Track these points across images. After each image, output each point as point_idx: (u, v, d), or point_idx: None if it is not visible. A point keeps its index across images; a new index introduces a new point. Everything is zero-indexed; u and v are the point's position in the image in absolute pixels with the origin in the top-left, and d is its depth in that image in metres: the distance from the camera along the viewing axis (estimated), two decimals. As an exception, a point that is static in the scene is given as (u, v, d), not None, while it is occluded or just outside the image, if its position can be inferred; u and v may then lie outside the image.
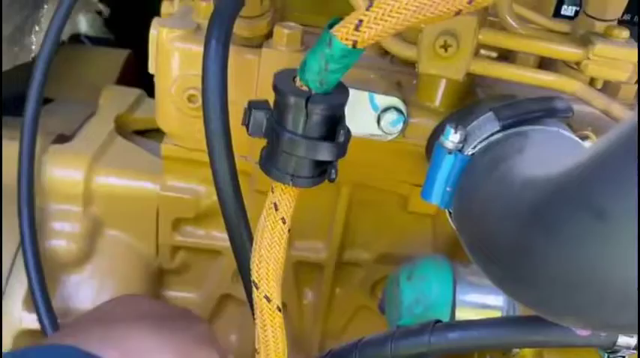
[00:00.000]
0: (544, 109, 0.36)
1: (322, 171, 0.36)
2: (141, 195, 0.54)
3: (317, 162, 0.35)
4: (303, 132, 0.34)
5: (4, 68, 0.57)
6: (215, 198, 0.41)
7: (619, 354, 0.39)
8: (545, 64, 0.42)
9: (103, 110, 0.63)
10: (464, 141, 0.37)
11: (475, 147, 0.37)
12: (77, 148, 0.55)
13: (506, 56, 0.43)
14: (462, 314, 0.47)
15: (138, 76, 0.71)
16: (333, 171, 0.35)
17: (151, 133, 0.64)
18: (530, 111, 0.36)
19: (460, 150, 0.37)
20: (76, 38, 0.77)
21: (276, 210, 0.38)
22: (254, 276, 0.39)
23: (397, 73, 0.46)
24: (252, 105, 0.36)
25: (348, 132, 0.36)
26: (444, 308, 0.46)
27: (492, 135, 0.36)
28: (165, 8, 0.56)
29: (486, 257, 0.33)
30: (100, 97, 0.65)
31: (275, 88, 0.34)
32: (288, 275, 0.59)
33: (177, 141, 0.52)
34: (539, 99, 0.37)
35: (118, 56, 0.76)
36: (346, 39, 0.31)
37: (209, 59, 0.40)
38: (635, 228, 0.22)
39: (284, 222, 0.38)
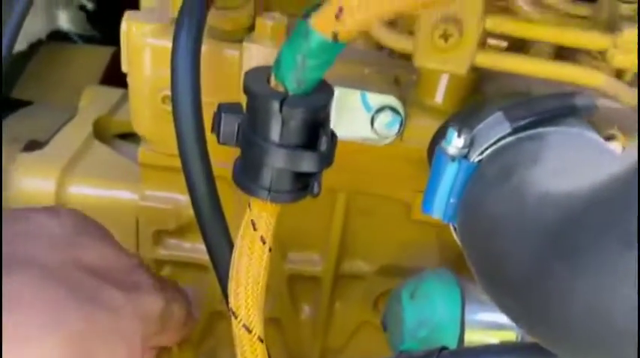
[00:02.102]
0: (563, 107, 0.31)
1: (305, 183, 0.31)
2: (118, 205, 0.50)
3: (298, 173, 0.30)
4: (280, 141, 0.29)
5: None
6: (197, 208, 0.37)
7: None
8: (562, 55, 0.37)
9: (83, 113, 0.58)
10: (469, 145, 0.32)
11: (482, 153, 0.31)
12: (49, 156, 0.50)
13: (518, 46, 0.38)
14: (472, 337, 0.42)
15: (124, 76, 0.66)
16: (315, 184, 0.30)
17: (135, 137, 0.59)
18: (546, 109, 0.31)
19: (465, 157, 0.32)
20: (56, 35, 0.73)
21: (255, 229, 0.33)
22: (232, 304, 0.34)
23: (395, 68, 0.41)
24: (222, 109, 0.31)
25: (332, 138, 0.31)
26: (452, 330, 0.41)
27: (502, 139, 0.31)
28: (145, 1, 0.52)
29: (496, 283, 0.28)
30: (80, 99, 0.61)
31: (246, 89, 0.30)
32: (283, 289, 0.54)
33: (154, 146, 0.47)
34: (557, 96, 0.31)
35: (103, 54, 0.71)
36: (325, 30, 0.26)
37: (178, 55, 0.35)
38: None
39: (263, 242, 0.33)
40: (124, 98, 0.63)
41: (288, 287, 0.54)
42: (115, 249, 0.37)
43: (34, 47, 0.65)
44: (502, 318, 0.42)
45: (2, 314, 0.27)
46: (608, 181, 0.21)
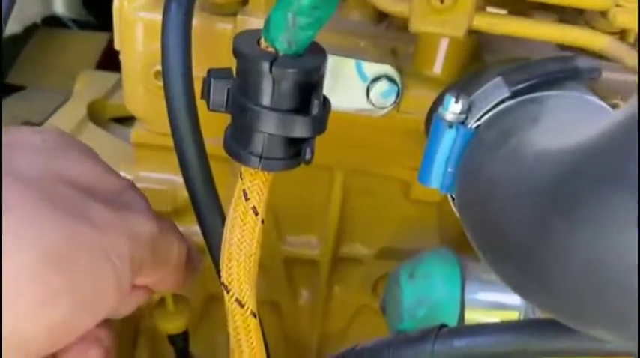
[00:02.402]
0: (563, 70, 0.30)
1: (297, 150, 0.30)
2: (112, 187, 0.49)
3: (290, 139, 0.29)
4: (271, 104, 0.28)
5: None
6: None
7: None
8: (564, 20, 0.36)
9: (77, 96, 0.58)
10: (467, 111, 0.31)
11: (480, 118, 0.30)
12: (42, 137, 0.49)
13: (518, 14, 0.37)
14: (472, 316, 0.41)
15: (119, 62, 0.65)
16: (308, 149, 0.29)
17: (130, 121, 0.58)
18: (546, 72, 0.30)
19: (462, 123, 0.31)
20: (51, 21, 0.72)
21: (246, 199, 0.32)
22: (224, 278, 0.33)
23: (392, 40, 0.40)
24: (212, 75, 0.30)
25: (326, 103, 0.30)
26: (451, 310, 0.40)
27: (501, 103, 0.30)
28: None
29: (494, 250, 0.27)
30: (75, 83, 0.60)
31: (235, 51, 0.29)
32: (281, 272, 0.53)
33: (148, 125, 0.46)
34: (557, 59, 0.30)
35: (98, 40, 0.71)
36: (316, -16, 0.25)
37: (168, 28, 0.34)
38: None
39: (256, 213, 0.32)
40: (120, 82, 0.62)
41: (286, 271, 0.53)
42: (104, 167, 0.33)
43: (30, 31, 0.64)
44: (504, 298, 0.41)
45: None
46: (606, 129, 0.20)
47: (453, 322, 0.40)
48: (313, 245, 0.52)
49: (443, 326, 0.36)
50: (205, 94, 0.31)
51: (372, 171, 0.46)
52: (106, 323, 0.32)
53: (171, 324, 0.42)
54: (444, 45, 0.37)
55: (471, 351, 0.35)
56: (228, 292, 0.33)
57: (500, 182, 0.25)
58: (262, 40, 0.28)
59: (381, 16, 0.41)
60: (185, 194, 0.49)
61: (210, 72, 0.30)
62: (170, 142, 0.47)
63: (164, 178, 0.49)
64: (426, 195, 0.47)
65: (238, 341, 0.34)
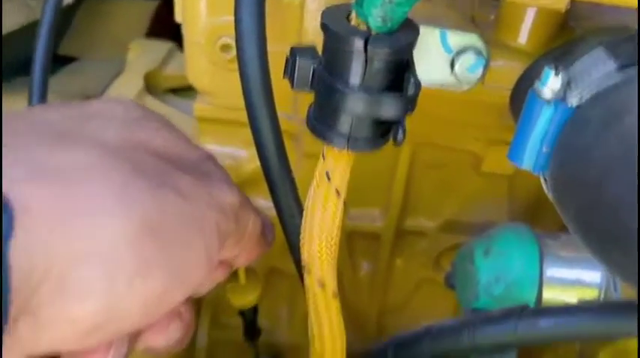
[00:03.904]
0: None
1: (385, 130, 0.29)
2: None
3: (379, 120, 0.28)
4: (362, 83, 0.27)
5: (20, 24, 0.51)
6: (258, 162, 0.35)
7: None
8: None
9: (131, 67, 0.57)
10: (566, 86, 0.29)
11: (581, 95, 0.29)
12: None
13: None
14: (550, 293, 0.39)
15: (170, 30, 0.64)
16: (400, 130, 0.28)
17: (186, 91, 0.57)
18: (657, 44, 0.28)
19: (562, 99, 0.29)
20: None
21: (329, 179, 0.31)
22: (304, 259, 0.33)
23: (471, 6, 0.38)
24: (296, 53, 0.29)
25: (418, 81, 0.29)
26: (530, 287, 0.39)
27: (607, 77, 0.28)
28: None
29: (607, 235, 0.25)
30: (127, 53, 0.59)
31: (324, 28, 0.27)
32: (342, 245, 0.53)
33: (211, 99, 0.45)
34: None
35: (147, 8, 0.69)
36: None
37: (242, 2, 0.33)
38: None
39: (338, 195, 0.31)
40: (172, 51, 0.61)
41: (347, 243, 0.53)
42: (184, 138, 0.32)
43: (79, 1, 0.63)
44: (583, 275, 0.40)
45: (65, 186, 0.23)
46: None
47: (531, 300, 0.39)
48: (376, 217, 0.51)
49: (525, 307, 0.35)
50: (289, 73, 0.29)
51: (442, 144, 0.45)
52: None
53: (243, 298, 0.41)
54: (530, 13, 0.35)
55: (556, 333, 0.34)
56: (309, 273, 0.33)
57: (618, 165, 0.24)
58: (353, 16, 0.27)
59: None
60: (248, 168, 0.49)
61: (293, 50, 0.29)
62: (234, 116, 0.46)
63: (227, 152, 0.48)
64: (498, 168, 0.45)
65: (319, 320, 0.34)
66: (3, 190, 0.20)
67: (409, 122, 0.38)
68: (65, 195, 0.23)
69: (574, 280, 0.40)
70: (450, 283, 0.46)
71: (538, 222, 0.47)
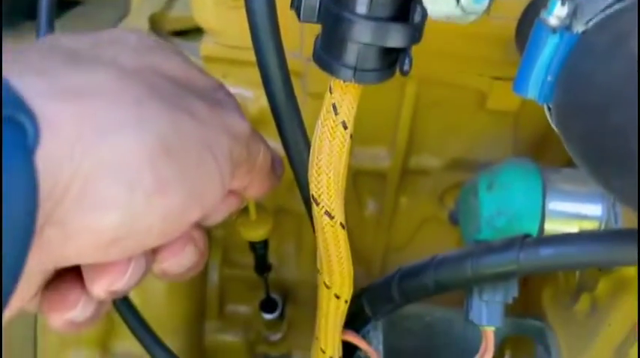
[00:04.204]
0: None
1: (391, 61, 0.29)
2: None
3: (385, 50, 0.28)
4: (369, 12, 0.27)
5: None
6: (265, 102, 0.35)
7: None
8: None
9: (136, 10, 0.56)
10: (572, 15, 0.29)
11: (587, 22, 0.29)
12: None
13: None
14: (552, 226, 0.40)
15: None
16: (406, 60, 0.28)
17: (191, 34, 0.57)
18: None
19: (567, 28, 0.29)
20: None
21: (336, 113, 0.31)
22: (313, 191, 0.33)
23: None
24: (303, -17, 0.29)
25: (424, 9, 0.29)
26: (532, 220, 0.40)
27: (614, 4, 0.28)
28: None
29: (613, 161, 0.26)
30: (131, -5, 0.59)
31: (331, -44, 0.27)
32: (347, 184, 0.54)
33: (217, 38, 0.46)
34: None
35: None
36: None
37: None
38: None
39: (345, 127, 0.32)
40: (176, -7, 0.60)
41: (353, 182, 0.54)
42: (197, 67, 0.33)
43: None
44: (585, 208, 0.41)
45: (86, 105, 0.24)
46: None
47: (533, 232, 0.40)
48: (381, 157, 0.52)
49: (526, 236, 0.36)
50: (296, 5, 0.29)
51: (447, 80, 0.45)
52: (199, 225, 0.32)
53: (254, 232, 0.43)
54: (538, -59, 0.34)
55: (557, 261, 0.35)
56: (317, 205, 0.34)
57: (623, 89, 0.24)
58: (359, -57, 0.27)
59: None
60: (255, 107, 0.50)
61: (300, -20, 0.29)
62: (239, 55, 0.46)
63: (235, 92, 0.48)
64: (503, 105, 0.45)
65: (327, 251, 0.35)
66: (28, 102, 0.21)
67: (414, 58, 0.38)
68: (86, 112, 0.23)
69: (575, 213, 0.41)
70: (453, 220, 0.47)
71: (542, 159, 0.48)
